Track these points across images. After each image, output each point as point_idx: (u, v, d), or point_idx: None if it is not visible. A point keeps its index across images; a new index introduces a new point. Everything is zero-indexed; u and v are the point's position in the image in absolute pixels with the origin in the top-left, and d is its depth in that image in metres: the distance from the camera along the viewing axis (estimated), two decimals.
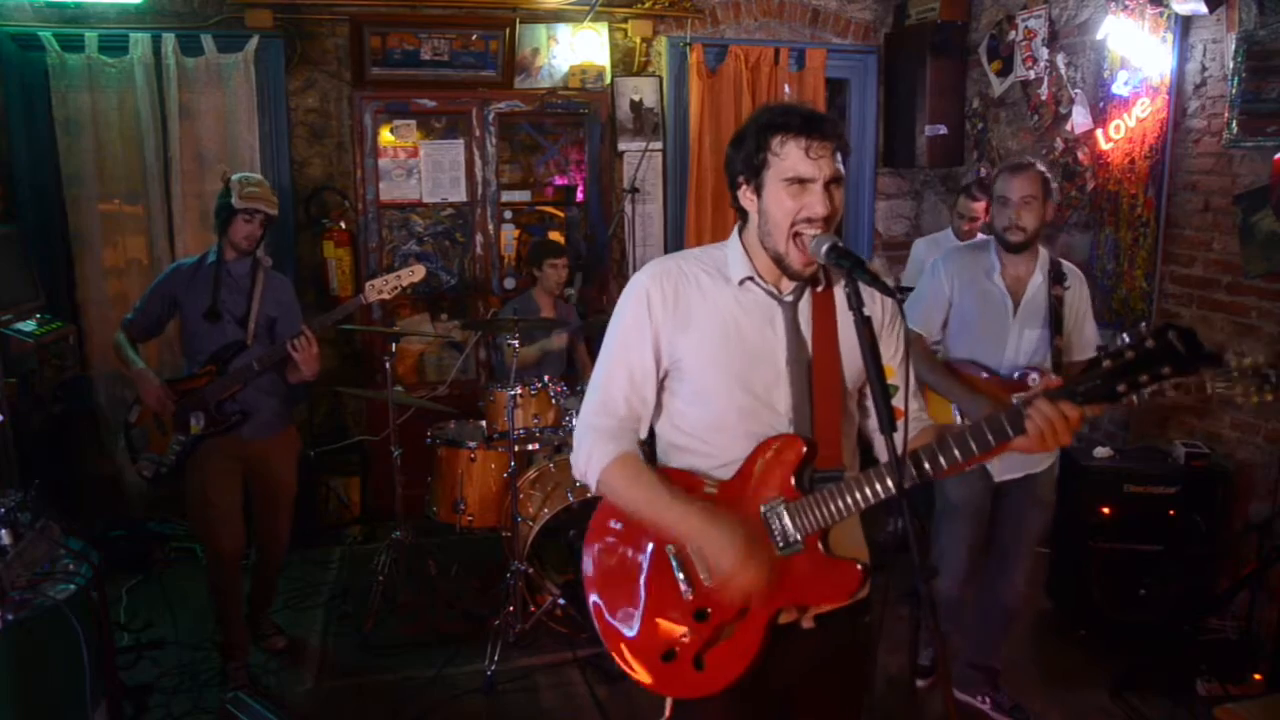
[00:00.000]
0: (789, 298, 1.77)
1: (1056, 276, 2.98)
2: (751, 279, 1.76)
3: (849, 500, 1.67)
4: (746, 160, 1.71)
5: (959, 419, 3.03)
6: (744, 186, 1.74)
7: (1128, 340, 1.51)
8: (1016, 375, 2.99)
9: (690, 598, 1.73)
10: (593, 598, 1.84)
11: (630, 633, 1.78)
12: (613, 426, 1.79)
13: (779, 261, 1.72)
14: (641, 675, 1.77)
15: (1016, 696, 3.26)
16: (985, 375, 3.02)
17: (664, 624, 1.75)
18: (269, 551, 3.64)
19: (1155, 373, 1.48)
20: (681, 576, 1.73)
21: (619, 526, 1.84)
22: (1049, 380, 1.57)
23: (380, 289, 3.43)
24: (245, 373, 3.34)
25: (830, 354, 1.76)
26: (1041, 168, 2.94)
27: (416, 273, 3.50)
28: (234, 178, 3.38)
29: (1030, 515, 3.12)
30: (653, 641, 1.75)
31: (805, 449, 1.71)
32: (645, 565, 1.78)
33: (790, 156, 1.65)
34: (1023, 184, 2.89)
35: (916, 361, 2.82)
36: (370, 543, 4.79)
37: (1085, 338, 3.04)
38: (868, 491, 1.66)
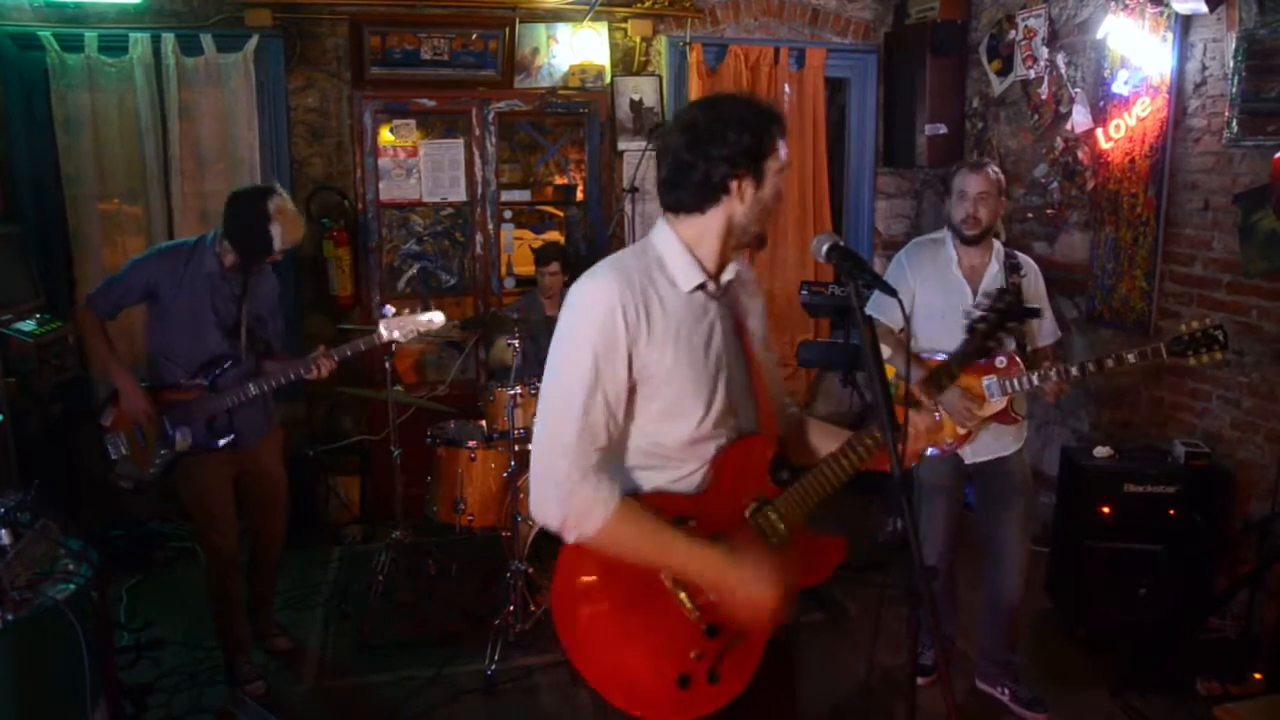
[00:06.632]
0: (720, 295, 1.78)
1: (1012, 266, 3.18)
2: (702, 286, 1.72)
3: (823, 483, 1.77)
4: (751, 151, 1.68)
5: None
6: (742, 178, 1.68)
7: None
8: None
9: (698, 617, 1.68)
10: (588, 664, 1.70)
11: (640, 678, 1.69)
12: (599, 462, 1.65)
13: (758, 238, 1.75)
14: (658, 713, 1.69)
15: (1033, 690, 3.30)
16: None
17: (675, 653, 1.68)
18: (268, 547, 3.63)
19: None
20: (683, 596, 1.68)
21: (599, 580, 1.71)
22: (928, 364, 1.69)
23: (394, 329, 3.39)
24: (241, 393, 3.24)
25: (750, 345, 1.82)
26: (996, 169, 3.15)
27: (435, 321, 3.46)
28: (271, 206, 3.13)
29: (1011, 502, 3.21)
30: (666, 675, 1.68)
31: (772, 445, 1.76)
32: (641, 605, 1.69)
33: (782, 147, 1.74)
34: (979, 181, 3.10)
35: (896, 351, 3.12)
36: (370, 543, 4.79)
37: (1045, 326, 3.24)
38: (838, 469, 1.77)
